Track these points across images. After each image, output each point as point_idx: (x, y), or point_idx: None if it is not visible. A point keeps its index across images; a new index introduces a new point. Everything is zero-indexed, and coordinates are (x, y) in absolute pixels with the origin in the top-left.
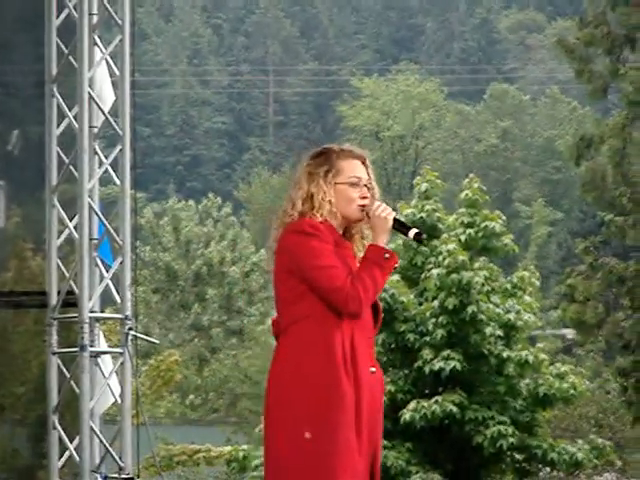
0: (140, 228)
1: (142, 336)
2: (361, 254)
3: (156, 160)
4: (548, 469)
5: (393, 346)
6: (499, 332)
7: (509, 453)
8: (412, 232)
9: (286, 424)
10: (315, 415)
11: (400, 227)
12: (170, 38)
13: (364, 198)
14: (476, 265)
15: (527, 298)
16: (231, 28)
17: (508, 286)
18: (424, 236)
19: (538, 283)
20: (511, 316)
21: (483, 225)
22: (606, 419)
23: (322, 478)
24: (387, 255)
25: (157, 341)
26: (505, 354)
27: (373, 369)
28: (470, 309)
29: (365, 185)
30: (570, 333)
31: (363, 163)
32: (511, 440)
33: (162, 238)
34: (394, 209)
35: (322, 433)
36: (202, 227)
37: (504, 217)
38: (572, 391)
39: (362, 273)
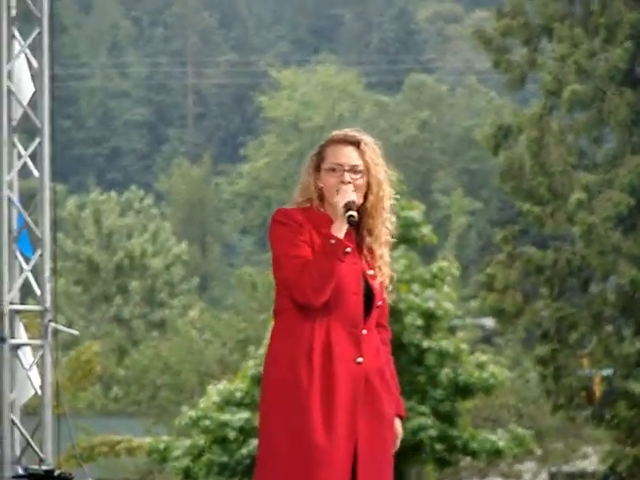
0: (62, 220)
1: (62, 327)
2: (375, 246)
3: (76, 152)
4: (469, 459)
5: None
6: (419, 321)
7: (429, 443)
8: (347, 214)
9: (262, 424)
10: (281, 418)
11: (346, 211)
12: (89, 31)
13: (345, 183)
14: (396, 254)
15: (446, 288)
16: (150, 20)
17: (428, 276)
18: (354, 219)
19: (458, 272)
20: (431, 305)
21: (402, 215)
22: (526, 408)
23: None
24: (332, 241)
25: (77, 332)
26: (425, 344)
27: (360, 359)
28: (390, 298)
29: (354, 170)
30: (489, 322)
31: (358, 147)
32: (431, 432)
33: (84, 230)
34: None
35: (291, 436)
36: (124, 219)
37: (423, 207)
38: (492, 380)
39: (310, 262)
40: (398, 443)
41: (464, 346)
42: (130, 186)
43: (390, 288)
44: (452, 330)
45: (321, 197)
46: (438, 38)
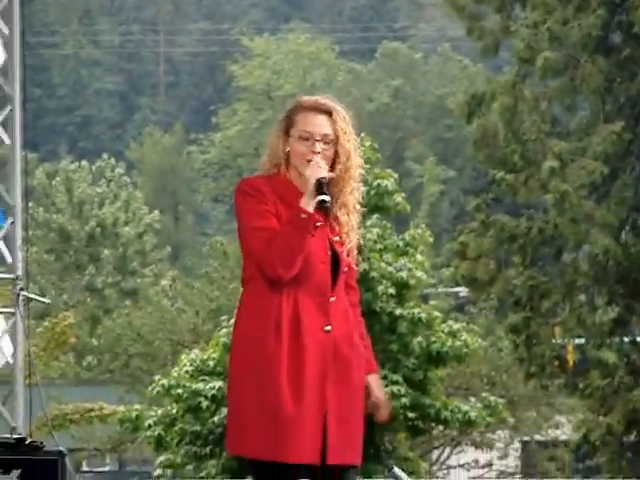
0: (33, 189)
1: (34, 296)
2: (340, 213)
3: (47, 121)
4: (441, 427)
5: None
6: (391, 290)
7: (402, 411)
8: (318, 197)
9: (231, 387)
10: (249, 382)
11: (317, 189)
12: None
13: (316, 153)
14: (368, 223)
15: (419, 257)
16: None
17: (400, 244)
18: (326, 205)
19: (430, 241)
20: (403, 274)
21: (375, 184)
22: (498, 377)
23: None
24: (303, 215)
25: (48, 301)
26: (398, 312)
27: (328, 327)
28: (362, 267)
29: (324, 140)
30: (462, 291)
31: (330, 116)
32: (404, 401)
33: (55, 199)
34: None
35: (260, 403)
36: (95, 188)
37: (396, 175)
38: (465, 349)
39: (277, 234)
40: (380, 397)
41: (437, 314)
42: (102, 155)
43: (358, 254)
44: (425, 299)
45: (288, 162)
46: (411, 6)
